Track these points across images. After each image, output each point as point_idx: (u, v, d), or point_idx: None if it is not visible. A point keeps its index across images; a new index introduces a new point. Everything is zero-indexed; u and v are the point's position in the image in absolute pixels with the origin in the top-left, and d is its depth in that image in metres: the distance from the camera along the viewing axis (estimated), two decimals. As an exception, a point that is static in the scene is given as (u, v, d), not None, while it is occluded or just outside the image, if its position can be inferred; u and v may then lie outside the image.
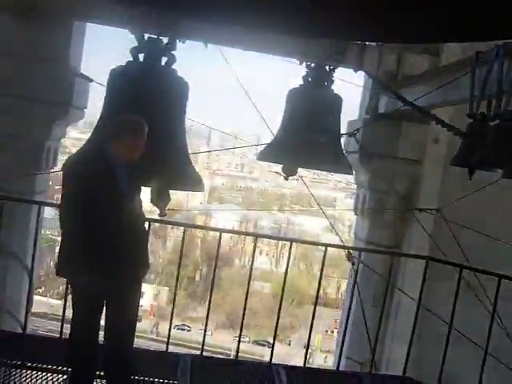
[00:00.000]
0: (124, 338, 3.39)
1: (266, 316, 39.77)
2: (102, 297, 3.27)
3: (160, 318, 42.48)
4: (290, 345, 42.38)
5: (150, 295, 44.61)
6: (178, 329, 39.79)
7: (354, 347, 5.15)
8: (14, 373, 3.71)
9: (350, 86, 5.48)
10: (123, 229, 3.18)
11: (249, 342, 39.57)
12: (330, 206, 58.40)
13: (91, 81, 4.19)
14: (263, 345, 38.00)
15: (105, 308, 3.36)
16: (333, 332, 45.20)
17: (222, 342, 39.33)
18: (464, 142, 3.37)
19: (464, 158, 3.36)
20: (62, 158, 5.76)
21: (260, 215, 48.66)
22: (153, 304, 45.86)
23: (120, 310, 3.34)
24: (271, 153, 4.79)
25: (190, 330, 42.21)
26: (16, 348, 4.05)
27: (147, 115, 3.66)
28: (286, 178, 4.68)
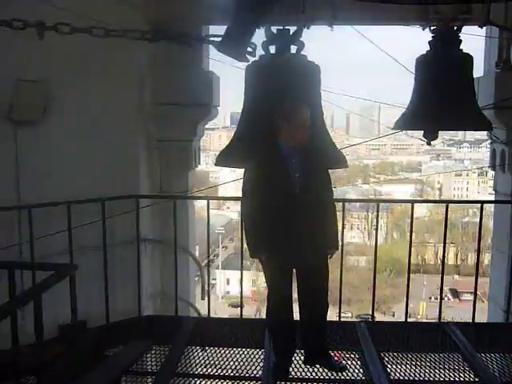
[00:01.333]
0: (314, 311, 3.69)
1: (365, 290, 39.65)
2: (289, 272, 3.58)
3: (261, 302, 43.41)
4: (393, 316, 42.03)
5: (249, 281, 45.66)
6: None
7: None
8: (212, 354, 4.12)
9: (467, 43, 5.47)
10: (299, 210, 3.43)
11: (351, 317, 39.55)
12: (415, 171, 57.24)
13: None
14: (366, 319, 37.97)
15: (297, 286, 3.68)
16: (436, 298, 44.45)
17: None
18: None
19: None
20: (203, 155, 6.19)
21: (346, 190, 48.33)
22: (252, 290, 46.82)
23: (306, 285, 3.64)
24: (408, 120, 4.87)
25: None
26: (206, 331, 4.48)
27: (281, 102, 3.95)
28: (429, 143, 4.76)
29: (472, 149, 53.51)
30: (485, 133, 5.61)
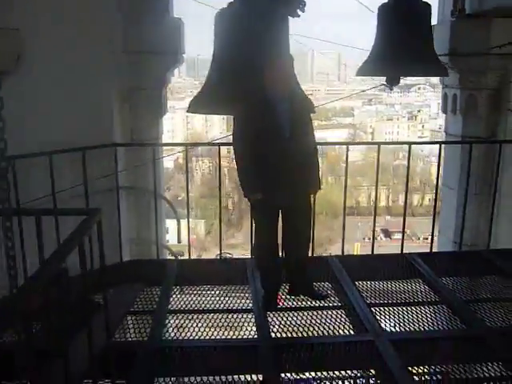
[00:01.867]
0: (298, 247, 3.99)
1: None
2: (275, 211, 3.85)
3: (201, 249, 43.92)
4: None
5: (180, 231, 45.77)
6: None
7: (456, 232, 5.73)
8: (202, 292, 4.38)
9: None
10: (288, 153, 3.67)
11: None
12: (348, 115, 58.45)
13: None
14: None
15: (281, 223, 3.95)
16: (370, 239, 46.46)
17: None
18: None
19: None
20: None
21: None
22: (192, 238, 46.97)
23: (292, 222, 3.93)
24: (371, 67, 5.14)
25: (232, 256, 43.77)
26: (190, 271, 4.73)
27: (254, 51, 4.17)
28: (391, 89, 5.07)
29: (402, 93, 55.09)
30: (414, 78, 5.93)
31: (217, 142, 5.34)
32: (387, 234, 46.20)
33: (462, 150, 5.58)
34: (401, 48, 4.93)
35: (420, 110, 52.13)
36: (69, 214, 3.11)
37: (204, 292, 4.35)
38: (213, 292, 4.35)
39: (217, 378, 3.40)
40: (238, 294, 4.27)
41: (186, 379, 3.26)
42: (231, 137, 3.84)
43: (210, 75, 4.59)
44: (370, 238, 45.94)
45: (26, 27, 4.28)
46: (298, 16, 4.09)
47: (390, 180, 48.14)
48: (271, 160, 3.65)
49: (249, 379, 3.38)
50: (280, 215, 3.89)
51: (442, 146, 5.76)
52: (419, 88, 53.15)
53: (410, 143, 5.09)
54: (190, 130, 56.66)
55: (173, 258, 5.62)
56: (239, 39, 4.36)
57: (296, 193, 3.78)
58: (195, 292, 4.34)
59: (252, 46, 4.22)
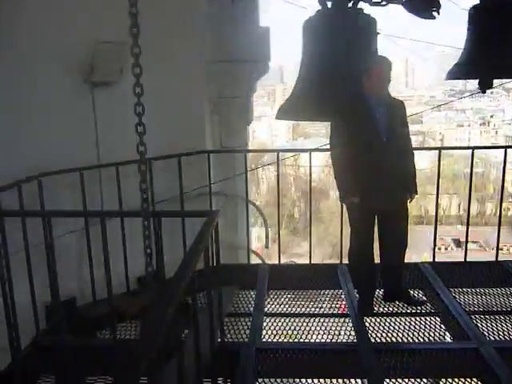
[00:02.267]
0: (394, 253, 3.95)
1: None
2: (371, 215, 3.83)
3: (266, 257, 43.95)
4: (398, 266, 42.40)
5: (254, 237, 46.09)
6: (286, 265, 41.27)
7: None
8: (295, 296, 4.42)
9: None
10: (385, 157, 3.66)
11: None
12: (416, 122, 57.00)
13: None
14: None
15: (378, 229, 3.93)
16: (440, 249, 44.87)
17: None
18: None
19: None
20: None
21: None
22: (257, 246, 47.22)
23: (388, 228, 3.90)
24: (462, 70, 5.01)
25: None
26: (282, 275, 4.78)
27: (346, 57, 4.14)
28: (484, 92, 4.93)
29: (473, 98, 53.19)
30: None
31: (307, 148, 5.39)
32: (459, 244, 44.50)
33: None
34: (495, 49, 4.79)
35: (493, 116, 50.11)
36: (190, 216, 3.26)
37: (298, 296, 4.39)
38: (307, 296, 4.38)
39: (317, 381, 3.42)
40: (332, 298, 4.29)
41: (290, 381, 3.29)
42: (328, 142, 3.88)
43: (299, 82, 4.65)
44: (439, 249, 44.56)
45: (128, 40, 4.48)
46: (434, 18, 4.05)
47: (461, 188, 46.54)
48: (368, 164, 3.66)
49: None
50: (376, 220, 3.88)
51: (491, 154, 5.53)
52: (492, 92, 51.11)
53: (506, 147, 4.93)
54: (255, 139, 57.06)
55: (261, 262, 5.69)
56: (330, 45, 4.40)
57: (392, 197, 3.76)
58: (288, 296, 4.39)
59: (344, 53, 4.24)
